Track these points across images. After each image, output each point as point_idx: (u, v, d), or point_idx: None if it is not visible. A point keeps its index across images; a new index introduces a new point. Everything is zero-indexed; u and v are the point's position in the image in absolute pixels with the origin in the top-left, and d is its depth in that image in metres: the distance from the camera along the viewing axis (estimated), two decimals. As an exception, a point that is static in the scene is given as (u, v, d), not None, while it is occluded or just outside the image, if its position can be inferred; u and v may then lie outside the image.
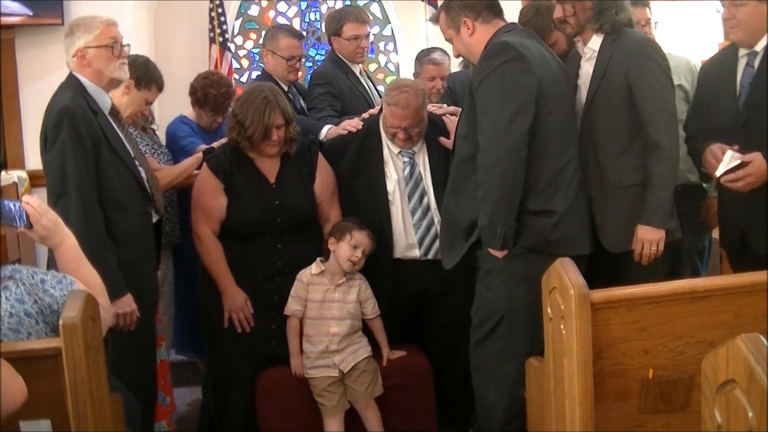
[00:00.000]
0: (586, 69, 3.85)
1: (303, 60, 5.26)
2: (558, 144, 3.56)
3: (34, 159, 5.87)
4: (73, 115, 3.54)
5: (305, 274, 4.00)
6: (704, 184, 4.59)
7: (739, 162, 3.57)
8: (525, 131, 3.42)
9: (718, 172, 3.58)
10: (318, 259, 4.03)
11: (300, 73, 5.48)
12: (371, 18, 5.84)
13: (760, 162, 3.58)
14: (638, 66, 3.68)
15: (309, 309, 3.99)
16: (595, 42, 3.81)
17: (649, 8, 4.69)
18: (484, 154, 3.45)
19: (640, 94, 3.66)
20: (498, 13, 3.75)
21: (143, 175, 3.84)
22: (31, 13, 5.90)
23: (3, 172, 5.76)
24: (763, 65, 3.75)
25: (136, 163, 3.83)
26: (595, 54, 3.80)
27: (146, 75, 4.42)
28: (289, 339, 4.02)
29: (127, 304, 3.62)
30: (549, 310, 2.96)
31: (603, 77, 3.73)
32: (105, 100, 3.78)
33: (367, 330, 4.12)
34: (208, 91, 4.89)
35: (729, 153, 3.56)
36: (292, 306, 4.00)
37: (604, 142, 3.74)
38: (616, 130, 3.73)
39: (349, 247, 3.94)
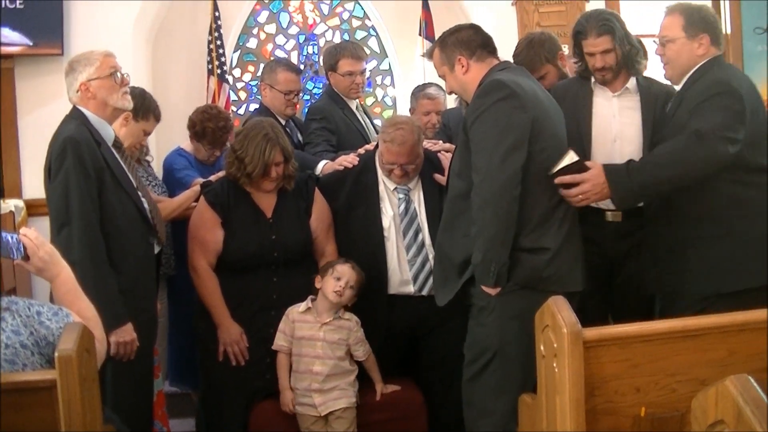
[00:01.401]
0: (618, 104, 4.10)
1: (301, 94, 5.28)
2: (551, 181, 3.57)
3: (31, 188, 5.89)
4: (77, 144, 3.58)
5: (293, 311, 4.01)
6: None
7: (577, 160, 3.57)
8: (519, 168, 3.43)
9: (554, 170, 3.57)
10: (309, 297, 4.04)
11: (297, 107, 5.52)
12: (367, 54, 5.87)
13: (598, 172, 3.64)
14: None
15: (294, 345, 3.99)
16: (632, 82, 4.11)
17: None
18: (478, 191, 3.46)
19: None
20: (492, 51, 3.76)
21: (146, 205, 3.87)
22: (31, 43, 5.94)
23: (1, 201, 5.78)
24: (675, 105, 3.86)
25: (139, 194, 3.86)
26: (630, 92, 4.10)
27: (143, 106, 4.47)
28: (279, 373, 4.02)
29: (128, 332, 3.63)
30: (542, 348, 2.96)
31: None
32: (108, 131, 3.82)
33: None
34: (207, 125, 4.93)
35: (569, 152, 3.57)
36: (278, 341, 4.01)
37: None
38: None
39: (333, 280, 3.95)
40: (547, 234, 3.56)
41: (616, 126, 4.08)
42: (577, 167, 3.57)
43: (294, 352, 3.99)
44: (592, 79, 4.15)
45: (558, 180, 3.57)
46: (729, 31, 7.14)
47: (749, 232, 3.69)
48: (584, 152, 3.92)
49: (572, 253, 3.64)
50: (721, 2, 7.24)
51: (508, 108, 3.46)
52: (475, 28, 3.82)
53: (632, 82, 4.11)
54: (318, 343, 3.97)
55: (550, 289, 3.34)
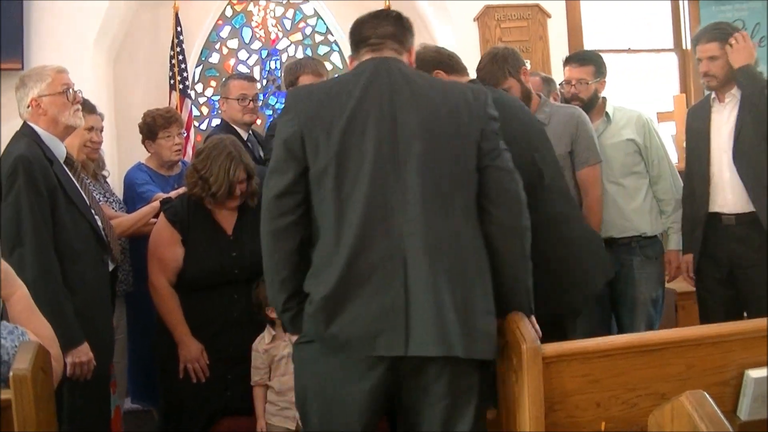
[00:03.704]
0: (728, 114, 4.43)
1: (257, 101, 5.27)
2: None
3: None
4: (29, 163, 3.53)
5: (260, 344, 3.95)
6: (658, 235, 4.70)
7: None
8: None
9: None
10: (267, 328, 3.97)
11: (259, 121, 5.49)
12: (327, 71, 5.87)
13: None
14: None
15: (274, 369, 3.92)
16: (737, 90, 4.39)
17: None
18: None
19: None
20: (461, 69, 3.74)
21: (99, 223, 3.83)
22: (-10, 58, 5.89)
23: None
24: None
25: (92, 211, 3.83)
26: (736, 99, 4.40)
27: None
28: (256, 405, 3.96)
29: (84, 352, 3.58)
30: (500, 364, 2.98)
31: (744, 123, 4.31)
32: (60, 148, 3.78)
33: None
34: (155, 116, 5.01)
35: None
36: (255, 377, 3.96)
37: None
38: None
39: None
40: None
41: (725, 136, 4.42)
42: None
43: (276, 374, 3.93)
44: (712, 95, 4.52)
45: None
46: (689, 47, 7.25)
47: None
48: (705, 166, 4.45)
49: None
50: (681, 17, 7.36)
51: None
52: (438, 50, 3.81)
53: (737, 90, 4.40)
54: None
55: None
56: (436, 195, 2.80)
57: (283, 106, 2.98)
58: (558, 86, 5.07)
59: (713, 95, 4.51)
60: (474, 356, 2.76)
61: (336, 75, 7.42)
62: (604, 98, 4.75)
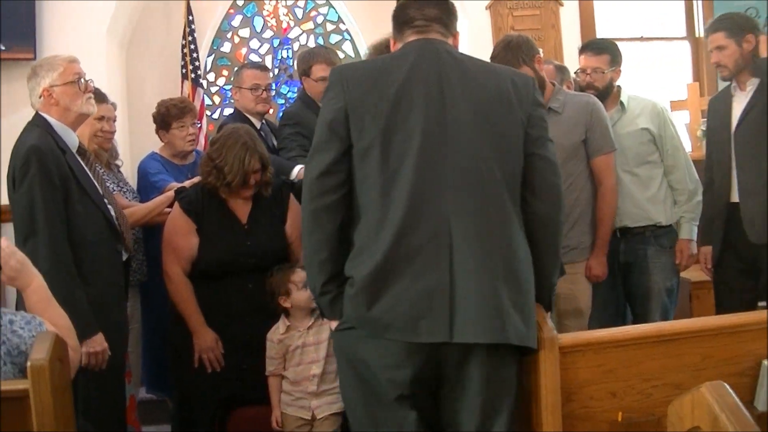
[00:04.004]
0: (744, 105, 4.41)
1: (270, 90, 5.26)
2: None
3: (3, 194, 5.83)
4: (42, 153, 3.53)
5: (275, 334, 3.94)
6: (672, 225, 4.68)
7: None
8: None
9: None
10: (282, 318, 3.96)
11: (271, 110, 5.48)
12: (340, 59, 5.85)
13: None
14: None
15: (289, 359, 3.91)
16: (754, 82, 4.39)
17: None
18: None
19: None
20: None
21: (112, 213, 3.83)
22: (3, 48, 5.87)
23: (-28, 207, 5.72)
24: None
25: (105, 201, 3.83)
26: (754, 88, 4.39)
27: None
28: (271, 395, 3.95)
29: (98, 343, 3.59)
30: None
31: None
32: (72, 138, 3.78)
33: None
34: (168, 106, 4.99)
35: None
36: (270, 367, 3.95)
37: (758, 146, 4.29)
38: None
39: (303, 291, 3.85)
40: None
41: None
42: None
43: (291, 365, 3.93)
44: (732, 83, 4.52)
45: None
46: (702, 35, 7.21)
47: None
48: (725, 155, 4.48)
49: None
50: (694, 5, 7.31)
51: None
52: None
53: (755, 79, 4.40)
54: (311, 348, 3.92)
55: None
56: (486, 178, 2.77)
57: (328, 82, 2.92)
58: (573, 74, 5.04)
59: (734, 84, 4.50)
60: (528, 344, 2.74)
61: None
62: (619, 87, 4.72)
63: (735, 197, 4.43)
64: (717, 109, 4.62)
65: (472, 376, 2.74)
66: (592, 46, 4.85)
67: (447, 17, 3.02)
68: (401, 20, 3.03)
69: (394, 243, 2.70)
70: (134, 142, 6.44)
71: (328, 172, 2.79)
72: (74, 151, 3.75)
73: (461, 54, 2.99)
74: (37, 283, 2.88)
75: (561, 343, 2.79)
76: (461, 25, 6.75)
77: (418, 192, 2.72)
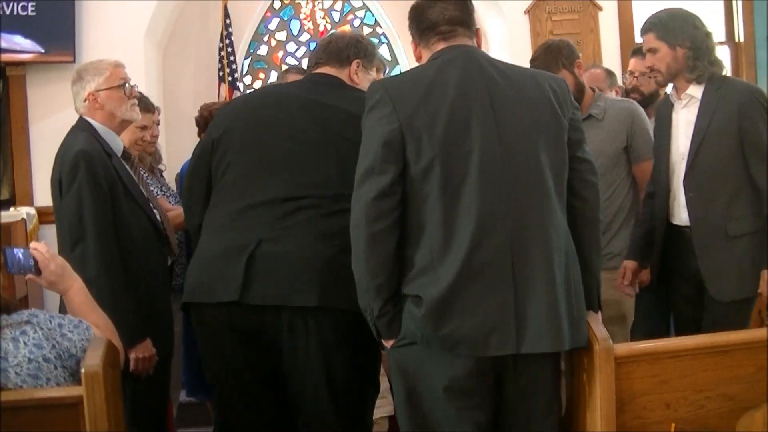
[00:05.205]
0: (684, 116, 3.87)
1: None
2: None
3: (42, 196, 5.88)
4: (90, 158, 3.52)
5: None
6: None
7: None
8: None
9: None
10: None
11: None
12: (384, 64, 5.83)
13: None
14: (752, 115, 3.68)
15: None
16: (695, 90, 3.82)
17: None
18: None
19: (754, 142, 3.67)
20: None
21: (158, 217, 3.83)
22: (42, 51, 5.93)
23: (12, 209, 5.76)
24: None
25: (150, 205, 3.82)
26: (696, 101, 3.82)
27: None
28: None
29: (147, 348, 3.58)
30: (564, 364, 2.96)
31: (709, 125, 3.72)
32: (117, 142, 3.77)
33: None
34: (205, 113, 4.90)
35: None
36: None
37: (712, 190, 3.74)
38: (725, 178, 3.71)
39: None
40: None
41: (682, 141, 3.89)
42: None
43: None
44: (670, 89, 4.03)
45: None
46: (742, 39, 7.15)
47: None
48: (664, 172, 3.91)
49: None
50: (734, 9, 7.25)
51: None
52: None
53: (697, 90, 3.84)
54: None
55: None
56: (543, 188, 2.76)
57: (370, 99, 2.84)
58: (620, 78, 4.98)
59: (671, 91, 4.01)
60: (578, 345, 2.76)
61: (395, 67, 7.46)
62: (665, 94, 4.66)
63: (679, 219, 3.93)
64: (660, 117, 4.11)
65: (528, 382, 2.76)
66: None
67: (467, 17, 2.96)
68: (423, 26, 2.97)
69: (465, 262, 2.67)
70: (169, 145, 6.45)
71: (384, 195, 2.71)
72: (119, 155, 3.75)
73: (500, 62, 2.95)
74: (77, 287, 2.89)
75: (617, 353, 2.76)
76: (500, 28, 6.76)
77: (484, 210, 2.69)
